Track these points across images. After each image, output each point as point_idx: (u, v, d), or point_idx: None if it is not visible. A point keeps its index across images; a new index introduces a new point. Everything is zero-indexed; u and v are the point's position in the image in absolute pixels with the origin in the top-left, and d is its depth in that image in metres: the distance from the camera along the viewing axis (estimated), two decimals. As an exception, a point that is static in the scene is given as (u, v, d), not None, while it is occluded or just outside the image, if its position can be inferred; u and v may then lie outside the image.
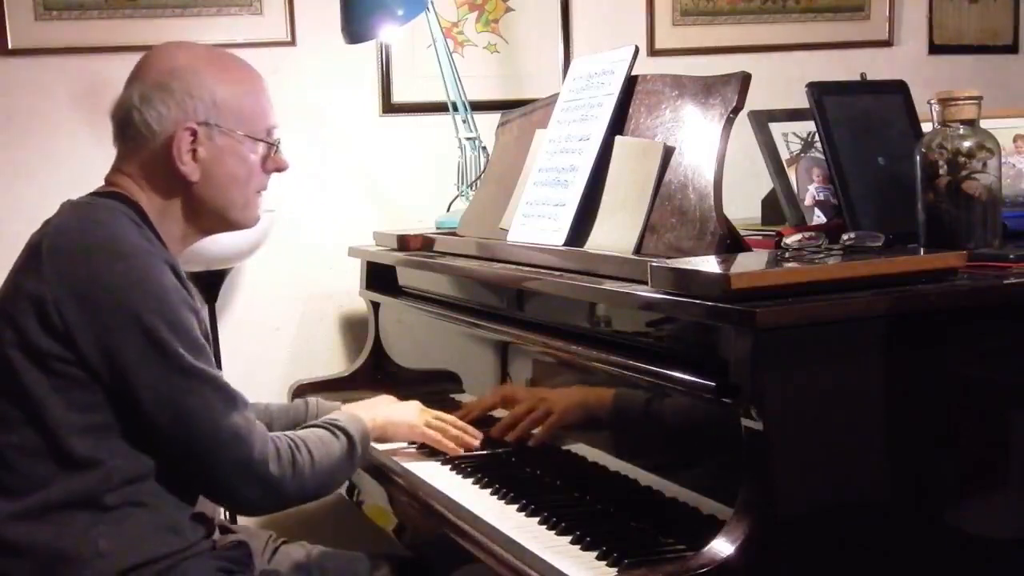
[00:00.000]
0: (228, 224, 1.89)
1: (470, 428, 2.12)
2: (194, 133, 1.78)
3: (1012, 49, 3.52)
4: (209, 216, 1.85)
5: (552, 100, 2.24)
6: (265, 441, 1.74)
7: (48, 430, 1.67)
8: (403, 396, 2.31)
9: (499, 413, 2.12)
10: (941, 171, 1.74)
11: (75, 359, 1.66)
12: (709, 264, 1.61)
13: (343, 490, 2.32)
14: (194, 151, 1.79)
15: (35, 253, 1.73)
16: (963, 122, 1.75)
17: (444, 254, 2.41)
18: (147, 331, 1.65)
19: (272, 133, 1.88)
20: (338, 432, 1.88)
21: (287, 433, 1.83)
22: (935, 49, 3.44)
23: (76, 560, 1.67)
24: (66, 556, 1.67)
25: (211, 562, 1.81)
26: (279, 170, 1.91)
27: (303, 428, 1.92)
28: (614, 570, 1.51)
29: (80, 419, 1.67)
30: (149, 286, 1.68)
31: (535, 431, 1.95)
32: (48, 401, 1.67)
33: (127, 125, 1.81)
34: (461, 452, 2.09)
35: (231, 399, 1.72)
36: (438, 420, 2.11)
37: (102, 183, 1.86)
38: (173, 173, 1.79)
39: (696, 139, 1.83)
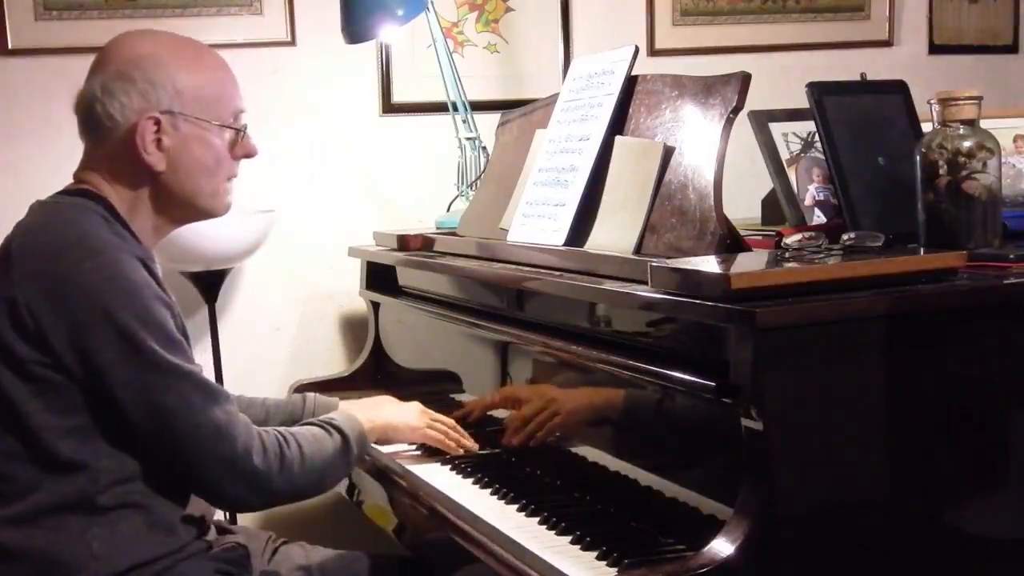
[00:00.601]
0: (199, 213, 1.86)
1: (468, 437, 2.11)
2: (157, 122, 1.76)
3: (1012, 49, 3.52)
4: (179, 206, 1.83)
5: (552, 100, 2.24)
6: (249, 435, 1.72)
7: (31, 434, 1.66)
8: (403, 396, 2.31)
9: (500, 412, 2.12)
10: (941, 171, 1.74)
11: (50, 361, 1.65)
12: (709, 264, 1.61)
13: (343, 490, 2.32)
14: (159, 140, 1.76)
15: (5, 256, 1.71)
16: (963, 122, 1.75)
17: (444, 254, 2.41)
18: (120, 329, 1.64)
19: (239, 118, 1.85)
20: (332, 430, 1.87)
21: (278, 428, 1.82)
22: (935, 49, 3.44)
23: (71, 563, 1.66)
24: (61, 560, 1.66)
25: (208, 563, 1.81)
26: (248, 156, 1.87)
27: (298, 425, 1.91)
28: (614, 570, 1.51)
29: (61, 422, 1.66)
30: (120, 283, 1.66)
31: (539, 434, 1.94)
32: (28, 406, 1.66)
33: (90, 118, 1.79)
34: (462, 452, 2.08)
35: (210, 393, 1.70)
36: (439, 422, 2.11)
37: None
38: (139, 164, 1.77)
39: (696, 139, 1.83)
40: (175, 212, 1.84)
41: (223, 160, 1.83)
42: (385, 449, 2.15)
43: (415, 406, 2.14)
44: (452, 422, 2.12)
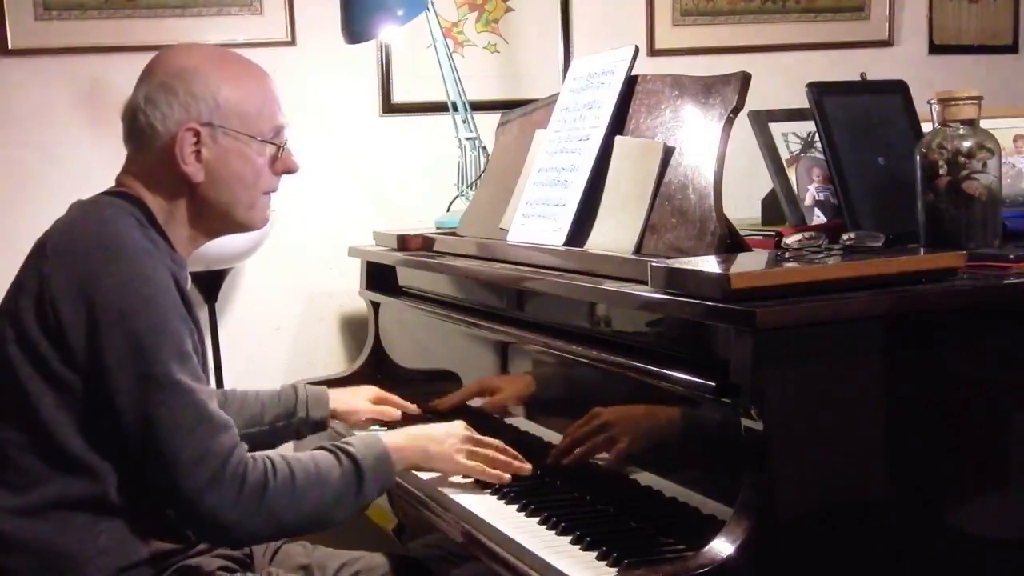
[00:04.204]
0: (235, 226, 1.87)
1: (519, 457, 1.92)
2: (197, 134, 1.77)
3: (1012, 49, 3.52)
4: (215, 217, 1.84)
5: (552, 100, 2.24)
6: (234, 468, 1.64)
7: (42, 428, 1.66)
8: (403, 396, 2.32)
9: (500, 409, 2.12)
10: (941, 171, 1.74)
11: (65, 358, 1.65)
12: (709, 264, 1.61)
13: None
14: (198, 152, 1.77)
15: (40, 251, 1.72)
16: (963, 122, 1.75)
17: (444, 254, 2.41)
18: (133, 333, 1.63)
19: (280, 134, 1.86)
20: (343, 457, 1.77)
21: (271, 457, 1.71)
22: (935, 49, 3.44)
23: (78, 557, 1.67)
24: (68, 553, 1.67)
25: (212, 561, 1.81)
26: (288, 171, 1.88)
27: (315, 449, 1.81)
28: (614, 570, 1.51)
29: (72, 419, 1.66)
30: (141, 287, 1.66)
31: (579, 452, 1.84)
32: (43, 400, 1.66)
33: (133, 126, 1.80)
34: (507, 480, 1.89)
35: (206, 417, 1.65)
36: (481, 448, 1.93)
37: (103, 182, 1.85)
38: (177, 174, 1.78)
39: (696, 139, 1.83)
40: (211, 223, 1.85)
41: (261, 174, 1.84)
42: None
43: (454, 430, 1.94)
44: (498, 444, 1.94)
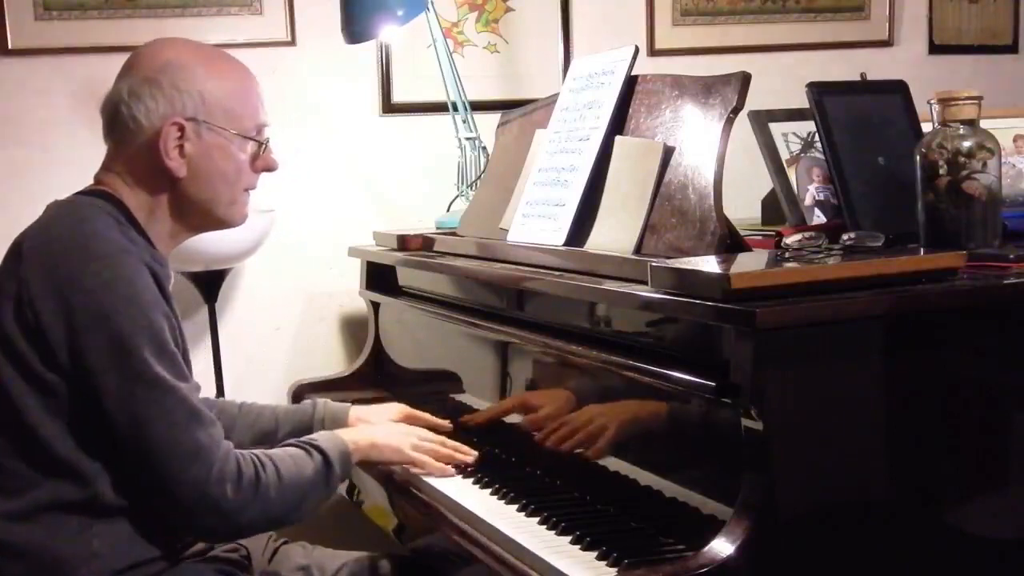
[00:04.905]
0: (215, 222, 1.87)
1: (463, 448, 2.02)
2: (181, 128, 1.76)
3: (1012, 49, 3.52)
4: (196, 213, 1.83)
5: (552, 100, 2.24)
6: (227, 461, 1.67)
7: (29, 432, 1.66)
8: (403, 396, 2.31)
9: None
10: (941, 171, 1.74)
11: (47, 360, 1.65)
12: (709, 264, 1.61)
13: (343, 490, 2.32)
14: (181, 147, 1.77)
15: (16, 253, 1.72)
16: (963, 122, 1.75)
17: (444, 254, 2.41)
18: (114, 333, 1.63)
19: (262, 132, 1.86)
20: (313, 451, 1.81)
21: (256, 453, 1.75)
22: (935, 49, 3.44)
23: (71, 560, 1.66)
24: (60, 557, 1.66)
25: (209, 564, 1.81)
26: (268, 169, 1.89)
27: (280, 446, 1.85)
28: (614, 570, 1.51)
29: (58, 422, 1.66)
30: (121, 287, 1.65)
31: (564, 448, 1.86)
32: (27, 403, 1.66)
33: (115, 120, 1.79)
34: (452, 472, 1.97)
35: (193, 414, 1.66)
36: (427, 442, 2.01)
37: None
38: (160, 169, 1.77)
39: (696, 139, 1.83)
40: (192, 219, 1.84)
41: (243, 171, 1.84)
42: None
43: (402, 426, 2.06)
44: (442, 439, 2.03)
